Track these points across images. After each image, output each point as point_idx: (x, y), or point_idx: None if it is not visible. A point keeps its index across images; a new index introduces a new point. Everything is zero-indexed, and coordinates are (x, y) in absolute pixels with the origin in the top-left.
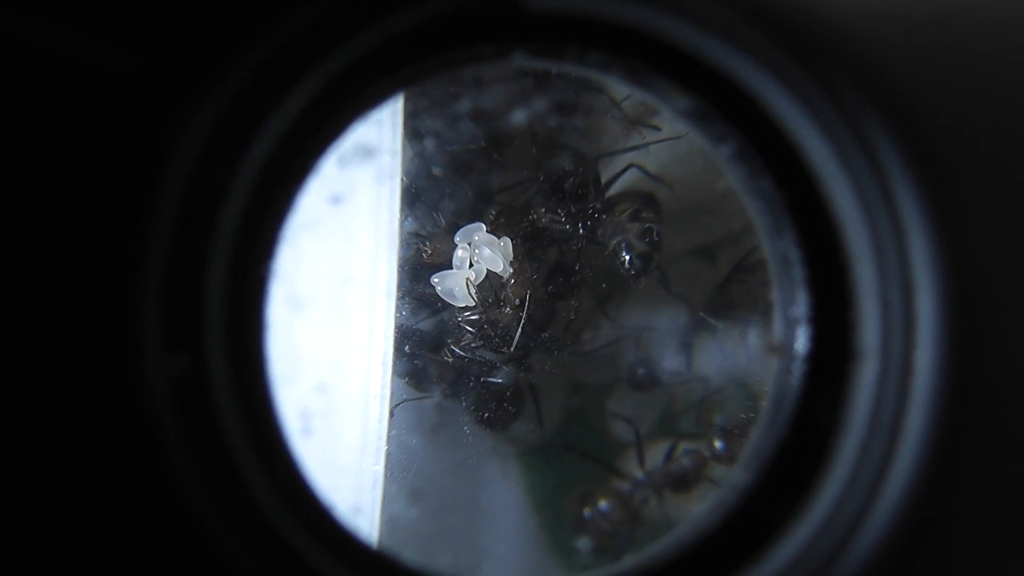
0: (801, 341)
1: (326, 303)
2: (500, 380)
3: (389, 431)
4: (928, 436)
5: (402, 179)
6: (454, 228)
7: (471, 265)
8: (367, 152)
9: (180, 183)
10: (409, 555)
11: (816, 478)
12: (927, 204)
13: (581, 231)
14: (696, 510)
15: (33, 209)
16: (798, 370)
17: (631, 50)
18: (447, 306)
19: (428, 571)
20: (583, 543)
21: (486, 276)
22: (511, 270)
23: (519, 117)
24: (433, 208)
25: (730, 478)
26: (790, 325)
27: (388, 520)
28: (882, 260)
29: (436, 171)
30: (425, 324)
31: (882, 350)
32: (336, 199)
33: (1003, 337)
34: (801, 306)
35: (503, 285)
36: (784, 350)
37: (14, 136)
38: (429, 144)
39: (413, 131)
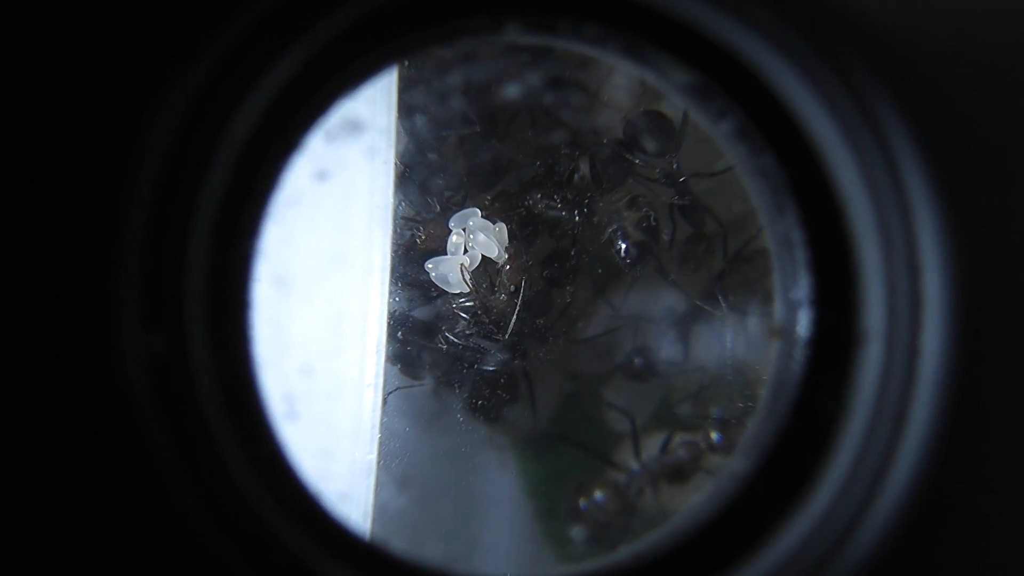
0: (803, 324)
1: (314, 284)
2: (494, 368)
3: (381, 418)
4: (934, 423)
5: (396, 163)
6: (448, 213)
7: (466, 251)
8: (355, 127)
9: (160, 157)
10: (398, 543)
11: (818, 466)
12: (935, 181)
13: (577, 217)
14: (694, 499)
15: (9, 185)
16: (800, 354)
17: (628, 23)
18: (441, 293)
19: (417, 560)
20: (578, 532)
21: (481, 262)
22: (506, 256)
23: (515, 96)
24: (427, 192)
25: (729, 466)
26: (792, 308)
27: (377, 507)
28: (888, 240)
29: (430, 155)
30: (419, 311)
31: (887, 333)
32: (322, 175)
33: (1012, 320)
34: (803, 288)
35: (498, 271)
36: (785, 333)
37: None
38: (423, 124)
39: (406, 110)
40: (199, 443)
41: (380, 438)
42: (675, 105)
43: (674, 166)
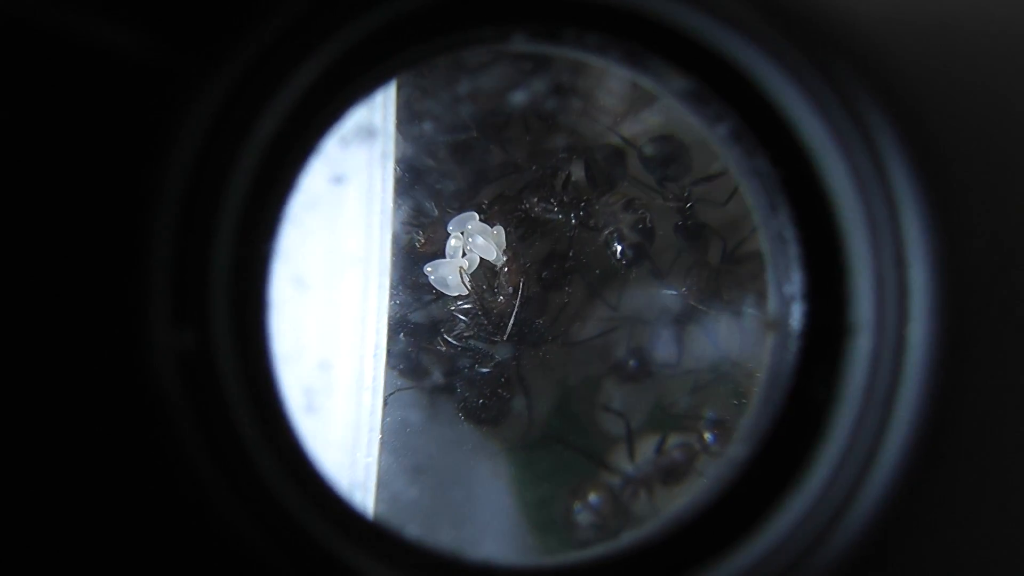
0: (796, 317)
1: (324, 283)
2: (491, 369)
3: (384, 416)
4: (921, 409)
5: (395, 168)
6: (447, 217)
7: (464, 254)
8: (368, 133)
9: (186, 162)
10: (412, 530)
11: (811, 452)
12: (920, 179)
13: (574, 220)
14: (692, 485)
15: (41, 187)
16: (793, 346)
17: (629, 32)
18: (440, 295)
19: (429, 545)
20: (583, 516)
21: (479, 265)
22: (504, 258)
23: (514, 103)
24: (426, 196)
25: (728, 452)
26: (785, 302)
27: (391, 497)
28: (875, 235)
29: (429, 160)
30: (418, 313)
31: (876, 324)
32: (338, 179)
33: (996, 311)
34: (796, 283)
35: (496, 274)
36: (779, 327)
37: (23, 115)
38: (423, 129)
39: (407, 115)
40: (224, 435)
41: (386, 430)
42: (668, 107)
43: (686, 193)
